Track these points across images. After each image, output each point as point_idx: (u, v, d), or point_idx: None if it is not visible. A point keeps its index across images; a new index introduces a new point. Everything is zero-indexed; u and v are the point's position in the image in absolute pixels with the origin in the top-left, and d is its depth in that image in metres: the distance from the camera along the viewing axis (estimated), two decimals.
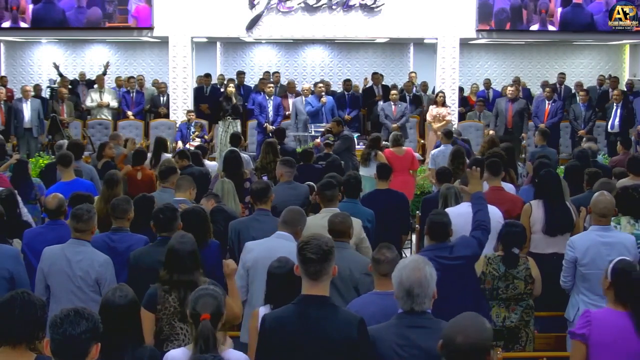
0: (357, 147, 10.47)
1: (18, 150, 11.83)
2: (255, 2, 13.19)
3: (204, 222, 5.07)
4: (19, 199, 6.43)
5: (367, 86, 15.04)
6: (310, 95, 12.38)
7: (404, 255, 7.21)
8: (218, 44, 16.54)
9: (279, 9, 13.23)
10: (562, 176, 6.68)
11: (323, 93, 12.47)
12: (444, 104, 12.50)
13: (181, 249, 4.05)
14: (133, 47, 16.72)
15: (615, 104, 12.33)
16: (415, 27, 13.35)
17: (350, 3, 13.16)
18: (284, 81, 14.89)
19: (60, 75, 13.81)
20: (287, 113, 12.89)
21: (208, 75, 14.33)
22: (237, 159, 7.53)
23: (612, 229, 5.08)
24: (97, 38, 15.67)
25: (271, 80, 14.26)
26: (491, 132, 11.81)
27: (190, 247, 4.09)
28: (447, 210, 5.63)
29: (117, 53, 16.73)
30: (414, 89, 14.36)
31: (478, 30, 13.41)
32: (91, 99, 13.63)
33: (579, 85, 14.43)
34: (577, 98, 13.42)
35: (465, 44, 14.48)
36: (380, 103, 12.94)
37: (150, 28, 13.33)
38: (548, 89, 12.97)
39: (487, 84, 15.00)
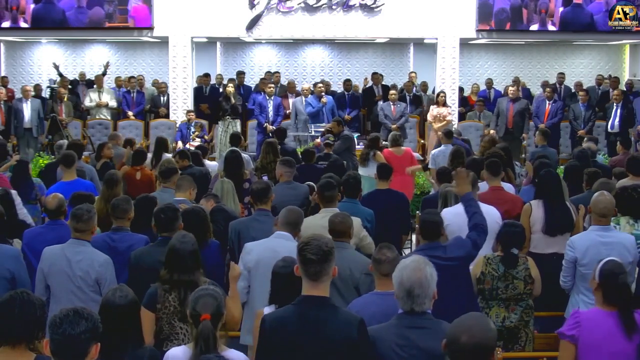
0: (357, 147, 10.47)
1: (18, 150, 11.83)
2: (255, 2, 13.19)
3: (204, 222, 5.07)
4: (18, 199, 6.43)
5: (367, 86, 15.04)
6: (310, 96, 12.38)
7: (403, 255, 7.20)
8: (218, 44, 16.54)
9: (279, 9, 13.23)
10: (561, 176, 6.68)
11: (323, 93, 12.47)
12: (444, 104, 12.51)
13: (182, 249, 4.06)
14: (133, 47, 16.72)
15: (615, 104, 12.33)
16: (415, 27, 13.35)
17: (350, 3, 13.16)
18: (284, 81, 14.90)
19: (60, 75, 13.81)
20: (287, 112, 12.89)
21: (207, 75, 14.33)
22: (238, 159, 7.53)
23: (612, 229, 5.09)
24: (97, 38, 15.68)
25: (271, 80, 14.25)
26: (492, 132, 11.82)
27: (191, 247, 4.09)
28: (447, 210, 5.65)
29: (117, 53, 16.73)
30: (414, 89, 14.36)
31: (478, 30, 13.41)
32: (90, 99, 13.64)
33: (578, 85, 14.43)
34: (578, 98, 13.40)
35: (465, 44, 14.48)
36: (380, 103, 12.95)
37: (150, 28, 13.33)
38: (548, 89, 12.97)
39: (489, 83, 15.00)
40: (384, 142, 10.23)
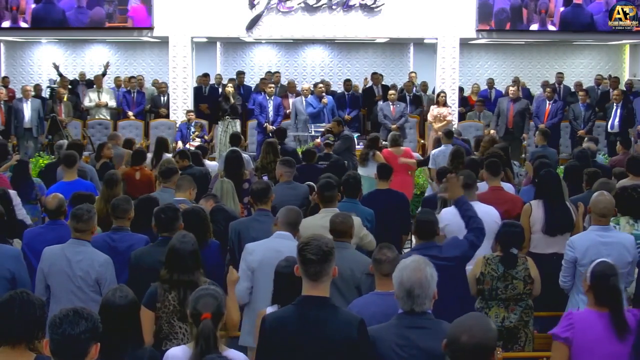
0: (357, 147, 10.47)
1: (18, 150, 11.83)
2: (255, 2, 13.19)
3: (204, 222, 5.07)
4: (18, 200, 6.43)
5: (367, 86, 15.04)
6: (310, 96, 12.39)
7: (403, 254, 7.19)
8: (218, 44, 16.54)
9: (279, 9, 13.23)
10: (561, 176, 6.68)
11: (324, 94, 12.46)
12: (445, 104, 12.52)
13: (182, 249, 4.06)
14: (133, 47, 16.72)
15: (615, 104, 12.34)
16: (415, 27, 13.35)
17: (350, 3, 13.16)
18: (284, 81, 14.90)
19: (60, 75, 13.81)
20: (287, 112, 12.89)
21: (206, 75, 14.34)
22: (239, 159, 7.53)
23: (612, 229, 5.09)
24: (97, 38, 15.68)
25: (271, 80, 14.25)
26: (492, 132, 11.82)
27: (191, 247, 4.09)
28: (446, 210, 5.65)
29: (117, 53, 16.73)
30: (414, 89, 14.36)
31: (478, 30, 13.41)
32: (89, 99, 13.65)
33: (578, 85, 14.44)
34: (578, 98, 13.40)
35: (465, 44, 14.48)
36: (380, 103, 12.95)
37: (150, 28, 13.34)
38: (549, 89, 12.97)
39: (491, 83, 14.99)
40: (383, 142, 10.23)
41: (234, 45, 16.60)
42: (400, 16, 13.16)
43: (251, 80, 15.93)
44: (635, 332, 3.60)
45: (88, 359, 2.67)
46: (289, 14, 13.27)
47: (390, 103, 12.55)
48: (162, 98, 14.09)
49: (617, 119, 12.19)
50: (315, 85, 12.89)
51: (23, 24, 13.37)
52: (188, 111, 12.90)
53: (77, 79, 15.12)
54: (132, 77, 14.88)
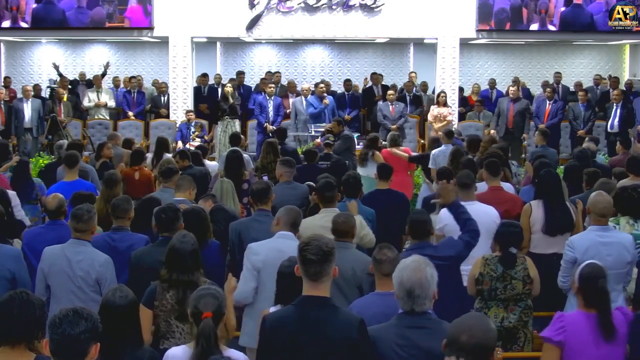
0: (357, 147, 10.47)
1: (18, 150, 11.83)
2: (255, 2, 13.19)
3: (204, 222, 5.07)
4: (17, 201, 6.43)
5: (367, 86, 15.05)
6: (310, 96, 12.38)
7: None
8: (218, 44, 16.54)
9: (279, 9, 13.23)
10: (561, 176, 6.68)
11: (325, 94, 12.45)
12: (445, 104, 12.52)
13: (182, 249, 4.07)
14: (133, 47, 16.72)
15: (615, 104, 12.34)
16: (415, 27, 13.35)
17: (350, 3, 13.16)
18: (284, 81, 14.90)
19: (60, 75, 13.82)
20: (287, 112, 12.89)
21: (205, 75, 14.35)
22: (239, 159, 7.53)
23: (611, 229, 5.08)
24: (97, 38, 15.68)
25: (272, 80, 14.26)
26: (492, 132, 11.83)
27: (191, 247, 4.10)
28: (444, 210, 5.64)
29: (117, 53, 16.73)
30: (414, 89, 14.36)
31: (478, 30, 13.41)
32: (89, 99, 13.66)
33: (578, 85, 14.44)
34: (577, 98, 13.40)
35: (465, 44, 14.48)
36: (380, 103, 12.95)
37: (150, 28, 13.34)
38: (549, 89, 12.97)
39: (492, 84, 14.99)
40: (383, 142, 10.23)
41: (234, 45, 16.60)
42: (400, 16, 13.16)
43: (251, 80, 15.93)
44: (630, 332, 3.61)
45: (88, 359, 2.67)
46: (289, 14, 13.27)
47: (389, 103, 12.55)
48: (162, 98, 14.09)
49: (616, 119, 12.19)
50: (316, 85, 12.88)
51: (23, 24, 13.37)
52: (188, 111, 12.90)
53: (77, 79, 15.13)
54: (133, 77, 14.89)
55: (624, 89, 14.05)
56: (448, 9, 13.18)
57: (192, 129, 12.49)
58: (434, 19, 13.19)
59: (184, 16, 13.23)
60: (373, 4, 13.14)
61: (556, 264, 5.28)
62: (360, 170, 8.97)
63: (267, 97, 12.54)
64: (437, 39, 13.51)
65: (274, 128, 11.89)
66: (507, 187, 6.82)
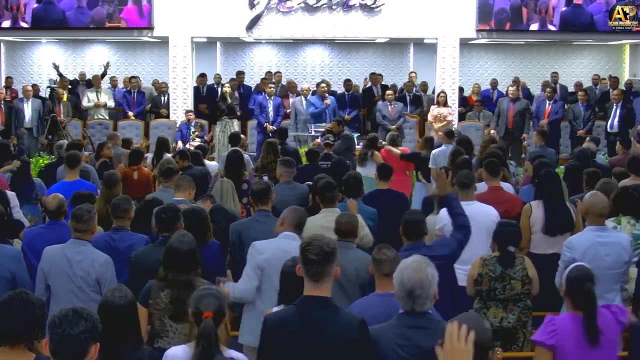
0: (357, 147, 10.47)
1: (18, 150, 11.82)
2: (255, 2, 13.19)
3: (204, 222, 5.07)
4: (16, 201, 6.44)
5: (367, 86, 15.05)
6: (311, 96, 12.38)
7: None
8: (218, 44, 16.54)
9: (279, 9, 13.23)
10: (561, 176, 6.67)
11: (326, 95, 12.43)
12: (445, 104, 12.52)
13: (180, 248, 4.07)
14: (133, 47, 16.72)
15: (614, 104, 12.34)
16: (415, 27, 13.35)
17: (350, 3, 13.16)
18: (284, 81, 14.89)
19: (60, 75, 13.82)
20: (287, 112, 12.89)
21: (203, 75, 14.36)
22: (240, 159, 7.53)
23: (609, 228, 5.07)
24: (97, 38, 15.68)
25: (272, 80, 14.26)
26: (492, 132, 11.83)
27: (189, 247, 4.10)
28: (444, 210, 5.64)
29: (117, 53, 16.73)
30: (414, 89, 14.36)
31: (478, 30, 13.41)
32: (88, 99, 13.66)
33: (578, 85, 14.44)
34: (577, 98, 13.41)
35: (465, 44, 14.49)
36: (379, 103, 12.95)
37: (150, 28, 13.34)
38: (549, 89, 12.97)
39: (494, 84, 14.98)
40: (382, 142, 10.23)
41: (234, 45, 16.60)
42: (400, 16, 13.16)
43: (251, 80, 15.93)
44: (631, 341, 3.62)
45: (87, 359, 2.67)
46: (289, 14, 13.27)
47: (388, 103, 12.55)
48: (162, 98, 14.09)
49: (616, 119, 12.19)
50: (318, 85, 12.83)
51: (23, 24, 13.37)
52: (187, 111, 12.90)
53: (77, 79, 15.12)
54: (133, 77, 14.89)
55: (624, 89, 14.05)
56: (448, 9, 13.18)
57: (192, 129, 12.49)
58: (434, 19, 13.19)
59: (184, 16, 13.23)
60: (373, 4, 13.14)
61: (556, 264, 5.26)
62: (359, 170, 8.96)
63: (267, 97, 12.54)
64: (437, 39, 13.51)
65: (274, 128, 11.89)
66: (507, 187, 6.82)
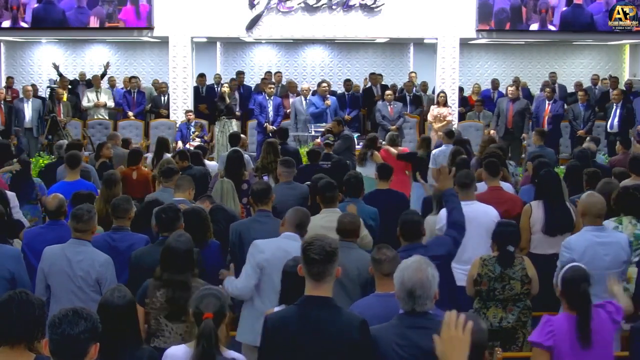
0: (357, 147, 10.47)
1: (17, 149, 11.80)
2: (255, 2, 13.19)
3: (205, 222, 5.08)
4: (16, 202, 6.43)
5: (367, 86, 15.05)
6: (311, 96, 12.36)
7: None
8: (218, 44, 16.54)
9: (279, 9, 13.23)
10: (562, 176, 6.67)
11: (328, 95, 12.42)
12: (445, 104, 12.52)
13: (177, 248, 4.07)
14: (133, 47, 16.72)
15: (614, 104, 12.34)
16: (415, 27, 13.35)
17: (350, 3, 13.16)
18: (284, 81, 14.89)
19: (60, 75, 13.82)
20: (287, 112, 12.89)
21: (202, 76, 14.36)
22: (240, 159, 7.54)
23: (606, 228, 5.06)
24: (97, 38, 15.67)
25: (272, 80, 14.25)
26: (492, 132, 11.83)
27: (186, 246, 4.09)
28: (443, 210, 5.64)
29: (117, 53, 16.73)
30: (414, 89, 14.36)
31: (478, 30, 13.41)
32: (88, 99, 13.66)
33: (578, 85, 14.44)
34: (577, 97, 13.40)
35: (465, 44, 14.48)
36: (379, 103, 12.95)
37: (150, 28, 13.34)
38: (548, 89, 12.97)
39: (496, 84, 14.97)
40: (382, 142, 10.23)
41: (234, 45, 16.59)
42: (400, 16, 13.16)
43: (251, 80, 15.93)
44: (631, 343, 3.62)
45: (87, 359, 2.67)
46: (289, 14, 13.27)
47: (388, 103, 12.55)
48: (162, 98, 14.10)
49: (616, 119, 12.19)
50: (319, 84, 12.78)
51: (23, 24, 13.37)
52: (187, 111, 12.90)
53: (77, 79, 15.13)
54: (133, 77, 14.89)
55: (624, 89, 14.05)
56: (448, 9, 13.18)
57: (192, 129, 12.49)
58: (434, 19, 13.19)
59: (184, 16, 13.23)
60: (373, 4, 13.14)
61: (556, 265, 5.27)
62: (359, 170, 8.96)
63: (267, 97, 12.53)
64: (437, 39, 13.51)
65: (274, 128, 11.88)
66: (507, 187, 6.82)
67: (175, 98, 13.69)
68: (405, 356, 3.24)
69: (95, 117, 13.54)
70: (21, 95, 13.39)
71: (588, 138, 10.18)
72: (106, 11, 13.25)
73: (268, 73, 15.11)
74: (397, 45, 16.56)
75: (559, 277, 3.77)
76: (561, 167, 8.61)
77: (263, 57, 16.93)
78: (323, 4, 13.17)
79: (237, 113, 13.17)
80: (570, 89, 15.15)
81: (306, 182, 7.13)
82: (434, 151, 9.45)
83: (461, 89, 14.54)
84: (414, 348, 3.23)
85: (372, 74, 14.91)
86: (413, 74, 14.80)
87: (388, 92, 12.94)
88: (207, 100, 13.64)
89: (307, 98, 12.29)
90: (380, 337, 3.28)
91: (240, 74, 14.77)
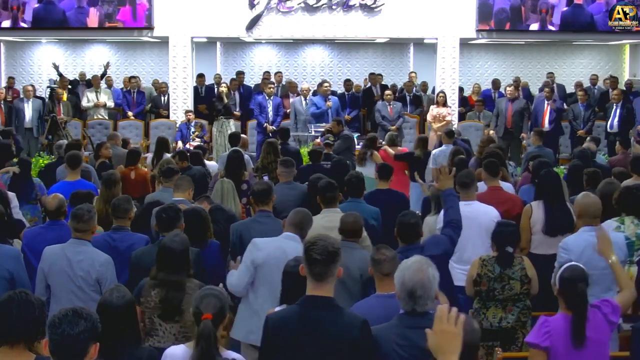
0: (357, 147, 10.47)
1: (16, 148, 11.79)
2: (255, 2, 13.19)
3: (205, 222, 5.08)
4: (15, 202, 6.43)
5: (367, 86, 15.05)
6: (312, 96, 12.36)
7: None
8: (218, 44, 16.54)
9: (279, 9, 13.24)
10: (562, 176, 6.66)
11: (330, 96, 12.40)
12: (444, 104, 12.52)
13: (172, 247, 4.06)
14: (133, 47, 16.72)
15: (614, 104, 12.34)
16: (415, 27, 13.35)
17: (350, 3, 13.16)
18: (284, 81, 14.88)
19: (60, 75, 13.82)
20: (287, 112, 12.88)
21: (201, 76, 14.37)
22: (240, 159, 7.54)
23: (604, 228, 5.06)
24: (97, 38, 15.68)
25: (272, 80, 14.25)
26: (492, 132, 11.83)
27: (182, 246, 4.09)
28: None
29: (117, 53, 16.73)
30: (414, 89, 14.36)
31: (478, 30, 13.41)
32: (87, 99, 13.66)
33: (578, 85, 14.43)
34: (577, 98, 13.40)
35: (465, 44, 14.48)
36: (378, 103, 12.95)
37: (151, 28, 13.34)
38: (547, 89, 12.97)
39: (497, 84, 14.96)
40: (381, 142, 10.23)
41: (234, 45, 16.59)
42: (400, 16, 13.16)
43: (251, 80, 15.93)
44: (632, 345, 3.62)
45: (87, 359, 2.67)
46: (289, 14, 13.27)
47: (387, 103, 12.54)
48: (162, 98, 14.10)
49: (616, 119, 12.19)
50: (321, 84, 12.73)
51: (23, 24, 13.37)
52: (187, 111, 12.90)
53: (77, 79, 15.12)
54: (133, 77, 14.89)
55: (624, 89, 14.05)
56: (448, 9, 13.19)
57: (192, 129, 12.49)
58: (434, 19, 13.19)
59: (184, 16, 13.23)
60: (373, 4, 13.14)
61: None
62: (358, 170, 8.96)
63: (267, 97, 12.53)
64: (437, 39, 13.51)
65: (274, 128, 11.88)
66: (507, 186, 6.82)
67: (175, 98, 13.69)
68: (405, 356, 3.24)
69: (95, 117, 13.55)
70: (21, 95, 13.38)
71: (588, 138, 10.18)
72: (106, 11, 13.25)
73: (268, 73, 15.11)
74: (397, 45, 16.56)
75: (557, 276, 3.77)
76: (561, 167, 8.61)
77: (263, 57, 16.93)
78: (323, 4, 13.17)
79: (237, 113, 13.17)
80: (570, 89, 15.15)
81: (306, 182, 7.14)
82: (434, 151, 9.45)
83: (461, 89, 14.54)
84: (414, 348, 3.23)
85: (372, 74, 14.91)
86: (413, 74, 14.80)
87: (388, 92, 12.94)
88: (206, 100, 13.65)
89: (308, 98, 12.28)
90: (380, 337, 3.28)
91: (240, 74, 14.77)
